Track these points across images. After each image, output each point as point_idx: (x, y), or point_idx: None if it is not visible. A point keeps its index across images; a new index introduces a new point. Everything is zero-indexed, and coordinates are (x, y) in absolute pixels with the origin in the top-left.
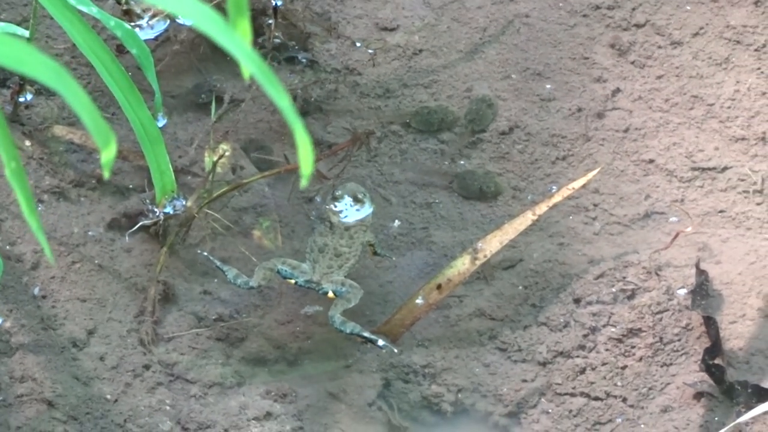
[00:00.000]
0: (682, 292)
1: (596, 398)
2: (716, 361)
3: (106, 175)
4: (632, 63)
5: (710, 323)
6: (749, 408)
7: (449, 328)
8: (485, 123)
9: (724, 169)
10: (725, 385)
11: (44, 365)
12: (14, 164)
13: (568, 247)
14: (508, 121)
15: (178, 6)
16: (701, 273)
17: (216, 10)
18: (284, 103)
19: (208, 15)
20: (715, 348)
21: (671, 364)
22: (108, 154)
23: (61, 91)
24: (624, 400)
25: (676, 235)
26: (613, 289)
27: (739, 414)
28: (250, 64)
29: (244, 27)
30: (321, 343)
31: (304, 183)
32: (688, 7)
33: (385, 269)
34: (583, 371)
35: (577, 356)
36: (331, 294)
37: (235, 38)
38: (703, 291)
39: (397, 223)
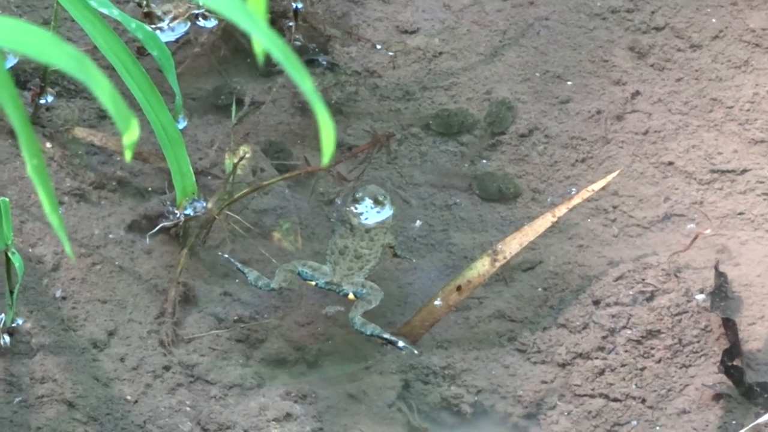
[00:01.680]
0: (701, 297)
1: (615, 399)
2: (735, 363)
3: (128, 158)
4: (651, 66)
5: (729, 325)
6: (767, 409)
7: (469, 330)
8: (505, 125)
9: (743, 171)
10: (744, 387)
11: (65, 366)
12: (36, 161)
13: (587, 249)
14: (527, 123)
15: None
16: (720, 275)
17: None
18: (307, 85)
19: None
20: (734, 349)
21: (690, 365)
22: (130, 137)
23: (83, 78)
24: (643, 401)
25: (695, 237)
26: (632, 291)
27: (757, 415)
28: (272, 46)
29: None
30: (341, 345)
31: (325, 161)
32: (708, 10)
33: (405, 271)
34: (602, 372)
35: (596, 357)
36: (351, 296)
37: (252, 17)
38: (722, 293)
39: (418, 223)
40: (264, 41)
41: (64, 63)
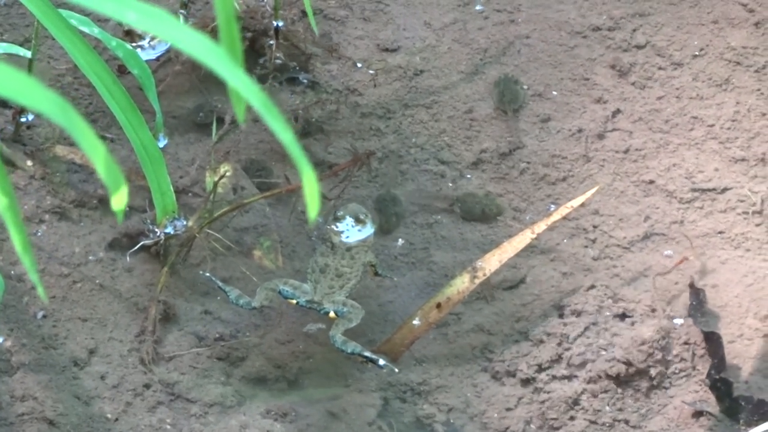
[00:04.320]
0: (679, 321)
1: (594, 422)
2: (722, 376)
3: (120, 221)
4: (632, 84)
5: (713, 338)
6: (750, 426)
7: (447, 345)
8: (520, 100)
9: (724, 190)
10: (727, 403)
11: (45, 384)
12: (7, 200)
13: (567, 269)
14: (508, 142)
15: (175, 35)
16: (697, 291)
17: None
18: (287, 137)
19: (205, 44)
20: (720, 363)
21: (670, 385)
22: (119, 201)
23: (66, 127)
24: (623, 421)
25: (681, 261)
26: (611, 313)
27: None
28: (254, 98)
29: (237, 56)
30: (321, 363)
31: (311, 222)
32: (689, 29)
33: (385, 289)
34: (582, 393)
35: (576, 378)
36: (332, 314)
37: (236, 72)
38: (700, 309)
39: (400, 241)
40: (242, 89)
41: (48, 110)
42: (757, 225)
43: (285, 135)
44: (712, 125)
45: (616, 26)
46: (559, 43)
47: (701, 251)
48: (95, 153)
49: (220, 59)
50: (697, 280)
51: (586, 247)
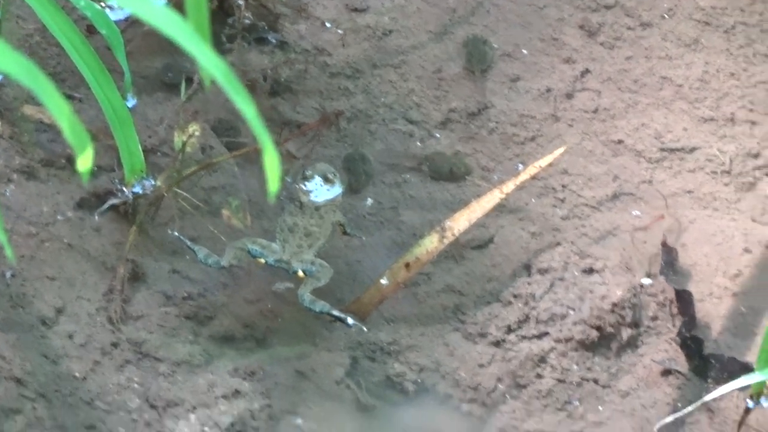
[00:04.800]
0: (648, 281)
1: (561, 380)
2: (693, 334)
3: (85, 181)
4: (601, 44)
5: (684, 296)
6: (718, 384)
7: (417, 305)
8: (488, 60)
9: (693, 149)
10: (697, 361)
11: (13, 343)
12: None
13: (536, 229)
14: (477, 102)
15: (139, 6)
16: (669, 250)
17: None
18: (251, 112)
19: (171, 18)
20: (691, 321)
21: (641, 344)
22: (85, 162)
23: (34, 89)
24: (591, 380)
25: (658, 219)
26: (581, 271)
27: (708, 390)
28: (217, 72)
29: (203, 29)
30: (290, 322)
31: (271, 197)
32: None
33: (354, 248)
34: (551, 351)
35: (545, 336)
36: (300, 273)
37: (201, 45)
38: (672, 267)
39: (369, 201)
40: (207, 64)
41: (14, 71)
42: (726, 184)
43: (248, 109)
44: (681, 85)
45: None
46: (527, 3)
47: (670, 211)
48: (61, 115)
49: (185, 32)
50: (667, 239)
51: (555, 206)
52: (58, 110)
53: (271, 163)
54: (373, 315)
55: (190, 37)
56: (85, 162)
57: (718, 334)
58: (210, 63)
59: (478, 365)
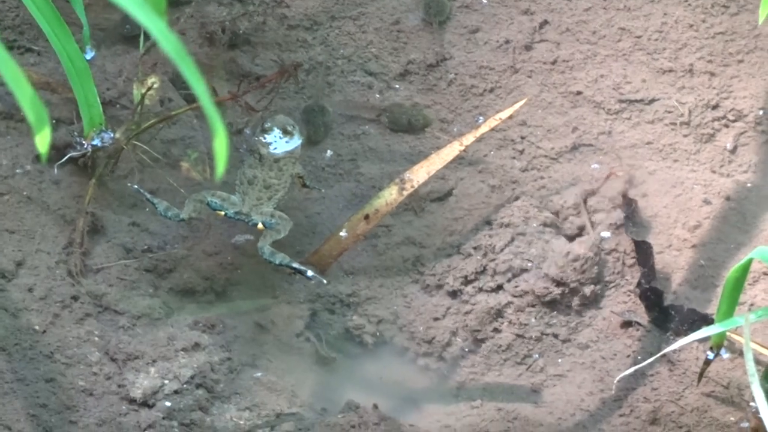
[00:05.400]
0: (607, 234)
1: (520, 335)
2: (652, 285)
3: (43, 158)
4: None
5: (644, 248)
6: (678, 336)
7: (377, 257)
8: (446, 12)
9: (652, 101)
10: (656, 312)
11: None
12: None
13: (495, 182)
14: (435, 53)
15: None
16: (630, 202)
17: None
18: (201, 89)
19: None
20: (650, 272)
21: (600, 296)
22: (43, 140)
23: None
24: (551, 334)
25: (609, 175)
26: (540, 223)
27: (668, 342)
28: (169, 48)
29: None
30: (249, 274)
31: (219, 175)
32: None
33: (313, 200)
34: (509, 305)
35: (505, 290)
36: (260, 225)
37: (155, 21)
38: (632, 219)
39: (329, 153)
40: (159, 38)
41: None
42: (685, 136)
43: (198, 87)
44: (640, 36)
45: None
46: None
47: (630, 162)
48: (24, 97)
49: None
50: (627, 190)
51: (514, 158)
52: (21, 93)
53: (220, 146)
54: (333, 267)
55: (141, 8)
56: (42, 141)
57: (678, 285)
58: (161, 36)
59: (433, 318)
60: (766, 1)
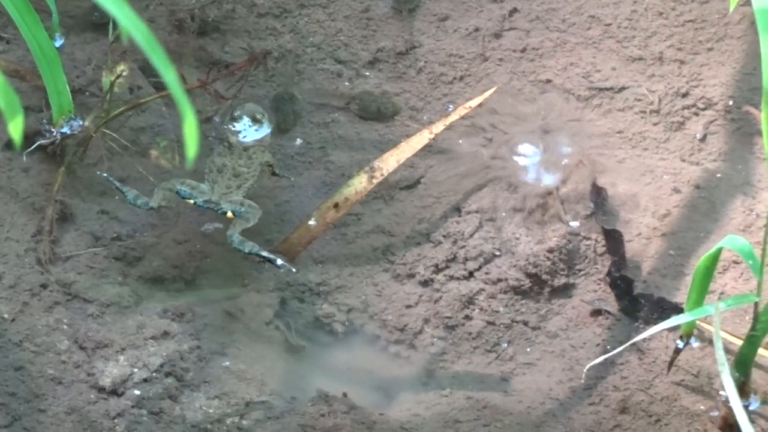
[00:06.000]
0: (575, 223)
1: (491, 322)
2: (622, 274)
3: (17, 145)
4: None
5: (614, 236)
6: (648, 324)
7: (346, 246)
8: (415, 0)
9: (622, 89)
10: (626, 301)
11: None
12: None
13: (464, 169)
14: (405, 41)
15: None
16: (600, 190)
17: None
18: (169, 74)
19: None
20: (621, 261)
21: (570, 284)
22: (15, 127)
23: None
24: (521, 322)
25: (578, 163)
26: (512, 210)
27: (638, 331)
28: (139, 35)
29: None
30: (219, 263)
31: (189, 164)
32: None
33: (282, 189)
34: (480, 292)
35: (475, 278)
36: (230, 214)
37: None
38: (602, 207)
39: (298, 141)
40: (127, 25)
41: None
42: (655, 124)
43: (168, 74)
44: (610, 24)
45: None
46: None
47: (600, 151)
48: None
49: None
50: (596, 178)
51: (484, 146)
52: None
53: (190, 130)
54: (302, 255)
55: None
56: (15, 128)
57: (648, 274)
58: (130, 24)
59: (405, 306)
60: None
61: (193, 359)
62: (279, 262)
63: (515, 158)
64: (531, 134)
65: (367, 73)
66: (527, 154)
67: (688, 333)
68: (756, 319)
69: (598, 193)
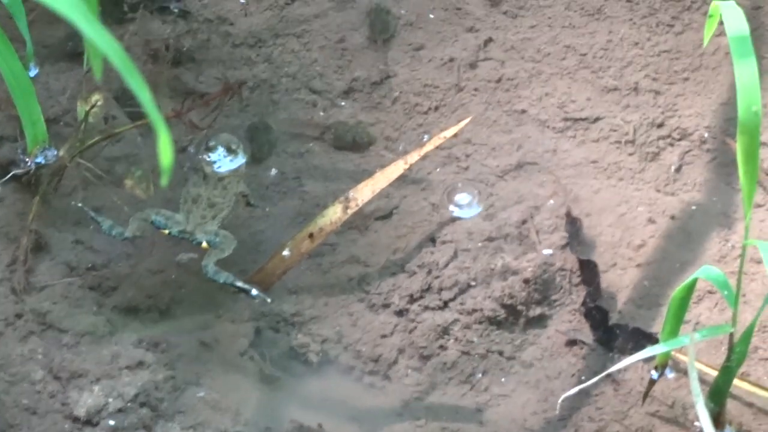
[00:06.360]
0: (548, 251)
1: (466, 352)
2: (597, 305)
3: None
4: (504, 13)
5: (589, 266)
6: (623, 355)
7: (321, 276)
8: (391, 30)
9: (597, 119)
10: (601, 331)
11: None
12: None
13: (439, 199)
14: (380, 71)
15: None
16: (574, 220)
17: None
18: (145, 96)
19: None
20: (596, 291)
21: (545, 315)
22: None
23: None
24: (496, 351)
25: (553, 194)
26: (486, 240)
27: (613, 361)
28: (112, 54)
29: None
30: (193, 293)
31: (164, 182)
32: None
33: (257, 219)
34: (455, 322)
35: (450, 308)
36: (204, 244)
37: (94, 26)
38: (576, 237)
39: (273, 171)
40: (102, 47)
41: None
42: (630, 154)
43: (143, 94)
44: (585, 54)
45: None
46: None
47: (574, 181)
48: None
49: (77, 11)
50: (571, 209)
51: (458, 174)
52: None
53: (165, 148)
54: (277, 286)
55: (81, 15)
56: None
57: (623, 304)
58: (104, 44)
59: (381, 336)
60: (711, 23)
61: (167, 389)
62: (254, 292)
63: (489, 189)
64: (507, 164)
65: (342, 103)
66: (501, 184)
67: (663, 363)
68: (731, 350)
69: (572, 224)
